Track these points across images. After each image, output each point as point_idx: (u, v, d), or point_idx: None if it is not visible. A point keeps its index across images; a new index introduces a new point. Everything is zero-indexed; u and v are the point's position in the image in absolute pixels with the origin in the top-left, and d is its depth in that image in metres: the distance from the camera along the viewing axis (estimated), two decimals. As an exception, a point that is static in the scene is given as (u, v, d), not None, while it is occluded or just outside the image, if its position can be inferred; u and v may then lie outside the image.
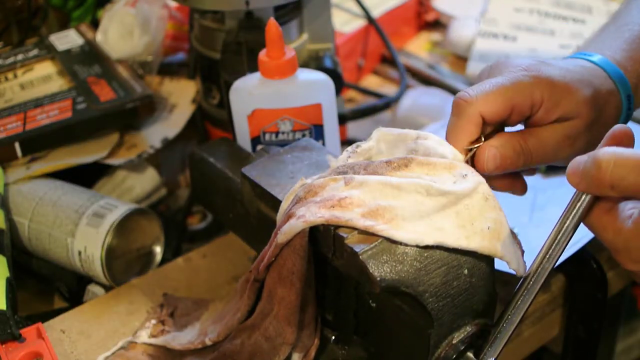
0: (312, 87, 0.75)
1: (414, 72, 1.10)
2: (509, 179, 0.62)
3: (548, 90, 0.58)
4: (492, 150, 0.58)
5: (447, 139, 0.59)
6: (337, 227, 0.54)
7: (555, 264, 0.54)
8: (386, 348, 0.58)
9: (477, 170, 0.57)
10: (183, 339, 0.68)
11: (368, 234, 0.53)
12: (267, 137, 0.76)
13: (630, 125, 0.89)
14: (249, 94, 0.75)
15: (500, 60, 0.63)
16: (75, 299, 0.79)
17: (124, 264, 0.78)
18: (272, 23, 0.71)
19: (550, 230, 0.57)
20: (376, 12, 1.11)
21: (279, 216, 0.60)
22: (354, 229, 0.54)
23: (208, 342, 0.64)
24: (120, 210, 0.77)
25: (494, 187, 0.59)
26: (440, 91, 1.04)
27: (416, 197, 0.54)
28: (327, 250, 0.56)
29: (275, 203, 0.61)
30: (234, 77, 0.77)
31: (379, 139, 0.60)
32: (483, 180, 0.56)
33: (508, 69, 0.60)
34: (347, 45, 1.06)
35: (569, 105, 0.59)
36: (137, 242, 0.80)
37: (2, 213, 0.77)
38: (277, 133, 0.76)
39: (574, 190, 0.69)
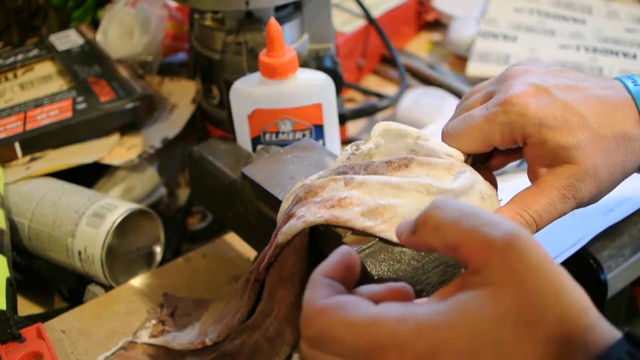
0: (312, 87, 0.75)
1: (414, 72, 1.10)
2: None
3: (532, 128, 0.56)
4: None
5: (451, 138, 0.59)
6: (337, 226, 0.54)
7: None
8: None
9: None
10: (183, 339, 0.68)
11: (367, 233, 0.53)
12: (267, 137, 0.76)
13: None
14: (249, 94, 0.75)
15: (512, 70, 0.59)
16: (75, 299, 0.79)
17: (124, 264, 0.78)
18: (272, 23, 0.71)
19: (549, 230, 0.57)
20: (376, 12, 1.11)
21: (279, 216, 0.60)
22: (353, 229, 0.54)
23: (208, 342, 0.64)
24: (120, 210, 0.77)
25: None
26: (440, 91, 1.04)
27: (416, 196, 0.54)
28: (327, 250, 0.56)
29: (275, 203, 0.61)
30: (234, 77, 0.77)
31: (378, 135, 0.60)
32: (480, 179, 0.56)
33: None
34: (347, 45, 1.06)
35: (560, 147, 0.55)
36: (137, 242, 0.80)
37: (2, 213, 0.77)
38: (277, 133, 0.76)
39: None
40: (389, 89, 1.07)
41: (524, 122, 0.56)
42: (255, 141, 0.77)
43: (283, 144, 0.73)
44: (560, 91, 0.57)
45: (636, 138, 0.56)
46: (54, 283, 0.81)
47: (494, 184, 0.60)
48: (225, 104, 0.84)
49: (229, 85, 0.77)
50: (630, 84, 0.58)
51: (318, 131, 0.76)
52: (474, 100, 0.61)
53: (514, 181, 0.81)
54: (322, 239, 0.56)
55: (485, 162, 0.62)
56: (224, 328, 0.63)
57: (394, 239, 0.52)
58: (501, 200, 0.58)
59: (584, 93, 0.57)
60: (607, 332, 0.40)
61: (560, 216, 0.57)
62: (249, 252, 0.78)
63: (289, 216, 0.57)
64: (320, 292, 0.44)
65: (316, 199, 0.56)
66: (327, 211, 0.55)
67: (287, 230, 0.56)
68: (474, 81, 1.04)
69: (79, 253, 0.76)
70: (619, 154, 0.56)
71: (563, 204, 0.56)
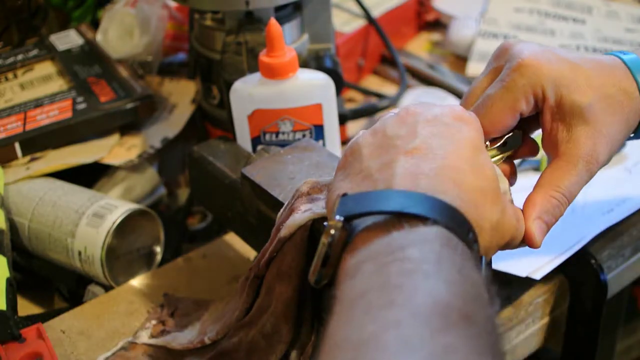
0: (312, 87, 0.75)
1: (414, 72, 1.10)
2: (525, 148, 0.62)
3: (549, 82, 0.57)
4: (536, 224, 0.56)
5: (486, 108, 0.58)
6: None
7: None
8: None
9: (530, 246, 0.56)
10: (183, 339, 0.68)
11: None
12: (267, 137, 0.76)
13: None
14: (249, 94, 0.75)
15: (508, 43, 0.61)
16: (75, 299, 0.79)
17: (124, 264, 0.78)
18: (272, 23, 0.71)
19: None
20: (376, 12, 1.11)
21: (279, 214, 0.60)
22: None
23: (207, 341, 0.64)
24: (120, 210, 0.77)
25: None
26: (440, 91, 1.04)
27: None
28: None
29: (275, 203, 0.61)
30: (234, 77, 0.77)
31: None
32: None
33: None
34: (347, 45, 1.06)
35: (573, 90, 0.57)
36: (137, 242, 0.80)
37: (2, 213, 0.77)
38: (277, 133, 0.76)
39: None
40: (389, 89, 1.07)
41: (542, 81, 0.57)
42: (255, 141, 0.77)
43: (283, 144, 0.73)
44: (562, 51, 0.59)
45: (633, 94, 0.58)
46: (54, 283, 0.81)
47: (514, 173, 0.61)
48: (225, 104, 0.85)
49: (229, 85, 0.77)
50: (618, 54, 0.60)
51: (318, 131, 0.76)
52: (479, 83, 0.61)
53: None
54: (321, 236, 0.56)
55: (518, 145, 0.61)
56: (222, 326, 0.63)
57: None
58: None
59: (580, 55, 0.59)
60: None
61: (584, 185, 0.58)
62: (249, 252, 0.78)
63: (291, 210, 0.57)
64: None
65: (320, 195, 0.56)
66: None
67: (290, 223, 0.56)
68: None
69: (79, 253, 0.76)
70: (624, 110, 0.58)
71: (588, 173, 0.57)
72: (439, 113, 0.53)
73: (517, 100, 0.57)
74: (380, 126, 0.54)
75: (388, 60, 1.13)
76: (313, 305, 0.60)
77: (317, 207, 0.55)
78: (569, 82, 0.57)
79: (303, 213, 0.55)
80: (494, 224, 0.51)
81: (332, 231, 0.47)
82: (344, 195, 0.48)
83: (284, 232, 0.56)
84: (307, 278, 0.57)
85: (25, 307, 0.78)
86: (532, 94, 0.57)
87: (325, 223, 0.54)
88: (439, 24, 1.22)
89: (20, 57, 0.99)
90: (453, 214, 0.47)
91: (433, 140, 0.51)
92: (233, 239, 0.81)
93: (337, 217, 0.47)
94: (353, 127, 1.00)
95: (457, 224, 0.47)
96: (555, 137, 0.58)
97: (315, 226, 0.56)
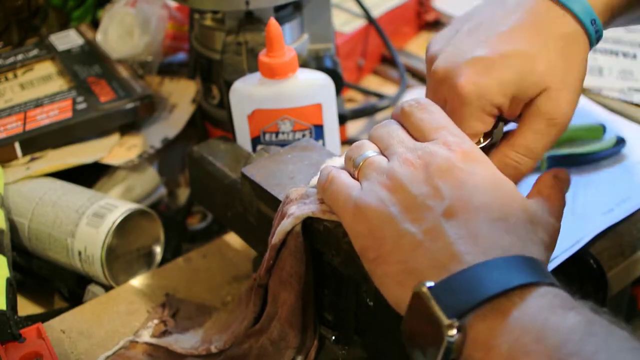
0: (312, 87, 0.75)
1: (414, 72, 1.10)
2: None
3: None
4: None
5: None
6: (336, 226, 0.54)
7: None
8: (385, 347, 0.58)
9: None
10: (186, 343, 0.67)
11: None
12: (267, 137, 0.76)
13: (629, 125, 0.89)
14: (249, 94, 0.75)
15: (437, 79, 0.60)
16: (75, 299, 0.79)
17: (124, 264, 0.78)
18: (272, 23, 0.71)
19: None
20: (376, 12, 1.11)
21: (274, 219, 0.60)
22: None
23: (214, 350, 0.64)
24: (120, 210, 0.77)
25: None
26: (440, 91, 1.04)
27: None
28: (327, 249, 0.56)
29: (275, 203, 0.61)
30: (234, 77, 0.77)
31: None
32: None
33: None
34: (347, 45, 1.06)
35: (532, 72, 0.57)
36: (137, 242, 0.80)
37: (2, 213, 0.77)
38: (277, 133, 0.76)
39: (575, 191, 0.66)
40: (389, 89, 1.07)
41: (488, 98, 0.56)
42: (255, 141, 0.77)
43: (283, 144, 0.73)
44: (478, 46, 0.58)
45: (573, 32, 0.58)
46: (54, 283, 0.81)
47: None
48: (225, 104, 0.85)
49: (229, 85, 0.77)
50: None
51: (318, 131, 0.76)
52: None
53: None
54: (321, 239, 0.56)
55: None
56: (230, 336, 0.63)
57: None
58: None
59: (507, 25, 0.58)
60: None
61: (554, 139, 0.58)
62: (249, 252, 0.78)
63: (282, 217, 0.57)
64: None
65: (305, 200, 0.57)
66: (316, 205, 0.55)
67: (279, 230, 0.56)
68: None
69: (79, 253, 0.76)
70: (571, 50, 0.57)
71: (553, 127, 0.57)
72: (447, 159, 0.50)
73: (476, 126, 0.57)
74: (395, 181, 0.50)
75: (388, 60, 1.13)
76: (315, 310, 0.61)
77: (300, 210, 0.55)
78: (516, 72, 0.56)
79: (287, 218, 0.56)
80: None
81: (452, 334, 0.42)
82: (430, 288, 0.44)
83: (275, 239, 0.56)
84: (308, 283, 0.58)
85: (25, 307, 0.78)
86: (486, 113, 0.57)
87: (328, 224, 0.54)
88: (439, 24, 1.22)
89: (20, 57, 0.99)
90: (536, 264, 0.45)
91: (461, 192, 0.48)
92: (233, 239, 0.81)
93: (451, 319, 0.42)
94: (353, 127, 1.00)
95: (543, 272, 0.45)
96: (523, 112, 0.58)
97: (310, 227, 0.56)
